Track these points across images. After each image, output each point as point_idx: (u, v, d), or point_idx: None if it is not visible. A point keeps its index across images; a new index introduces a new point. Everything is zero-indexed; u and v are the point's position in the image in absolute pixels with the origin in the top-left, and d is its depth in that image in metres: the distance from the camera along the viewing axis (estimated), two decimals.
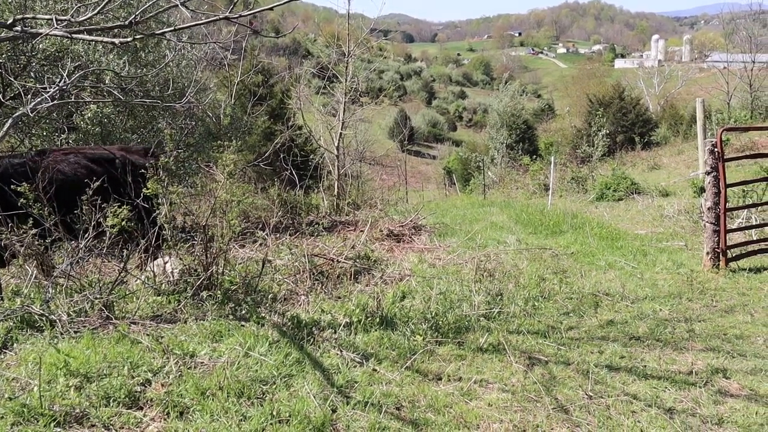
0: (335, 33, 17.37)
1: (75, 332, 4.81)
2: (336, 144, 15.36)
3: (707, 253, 7.86)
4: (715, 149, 7.70)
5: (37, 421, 3.49)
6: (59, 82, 6.96)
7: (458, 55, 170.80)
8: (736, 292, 6.90)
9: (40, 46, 9.88)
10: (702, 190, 13.01)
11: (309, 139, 21.18)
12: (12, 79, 9.20)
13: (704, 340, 5.42)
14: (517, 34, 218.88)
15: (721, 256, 7.78)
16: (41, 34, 5.22)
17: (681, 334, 5.54)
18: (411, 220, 10.45)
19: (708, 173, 7.78)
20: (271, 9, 4.71)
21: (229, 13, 4.77)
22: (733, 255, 7.95)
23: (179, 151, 12.06)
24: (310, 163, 18.01)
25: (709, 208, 7.79)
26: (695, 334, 5.54)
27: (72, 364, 4.06)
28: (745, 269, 7.70)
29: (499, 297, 6.38)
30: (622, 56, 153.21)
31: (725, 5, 43.88)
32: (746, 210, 9.56)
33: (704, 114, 16.33)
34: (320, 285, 6.58)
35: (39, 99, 6.28)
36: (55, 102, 6.43)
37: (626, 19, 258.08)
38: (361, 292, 6.29)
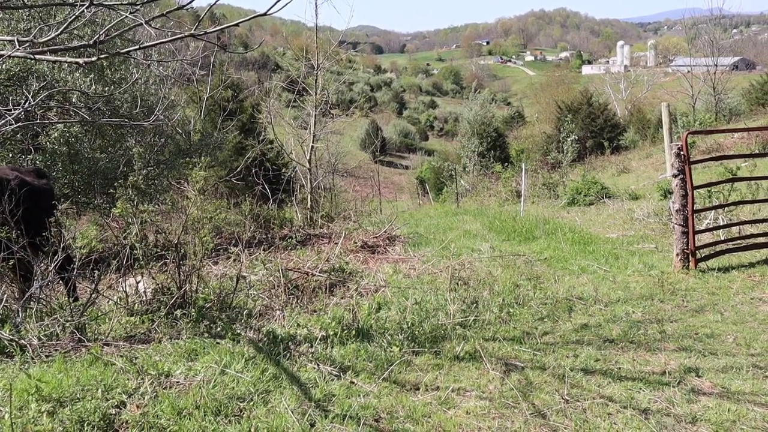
0: (304, 46, 17.38)
1: (46, 356, 4.74)
2: (308, 157, 15.34)
3: (677, 255, 7.98)
4: (682, 152, 7.83)
5: None
6: (24, 103, 6.89)
7: (427, 65, 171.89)
8: (706, 291, 7.01)
9: (3, 66, 9.76)
10: (668, 192, 13.21)
11: (281, 152, 21.14)
12: None
13: (676, 340, 5.49)
14: (485, 43, 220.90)
15: (690, 257, 7.90)
16: (3, 55, 5.16)
17: (653, 335, 5.61)
18: (385, 231, 10.47)
19: (675, 176, 7.91)
20: (236, 25, 4.71)
21: (195, 30, 4.77)
22: (702, 255, 8.08)
23: (149, 168, 11.96)
24: (282, 177, 17.97)
25: (677, 210, 7.92)
26: (667, 335, 5.62)
27: (44, 389, 4.00)
28: (714, 269, 7.82)
29: (475, 305, 6.41)
30: (589, 62, 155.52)
31: (687, 11, 44.87)
32: (713, 211, 9.72)
33: (670, 118, 16.64)
34: (295, 299, 6.56)
35: (3, 121, 6.21)
36: (21, 123, 6.35)
37: (592, 26, 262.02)
38: (337, 304, 6.28)
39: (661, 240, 9.84)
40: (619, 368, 4.89)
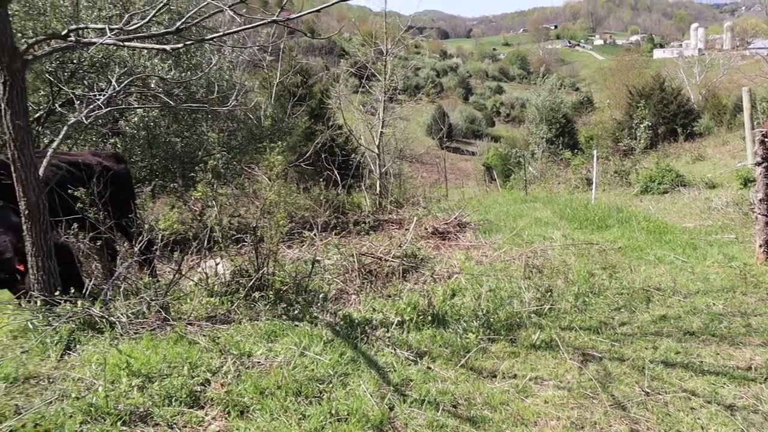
0: (371, 31, 17.39)
1: (134, 333, 4.93)
2: (377, 142, 15.39)
3: (760, 246, 7.69)
4: (766, 139, 7.52)
5: (104, 420, 3.59)
6: (108, 89, 7.14)
7: (494, 50, 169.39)
8: None
9: (88, 53, 10.12)
10: (748, 181, 12.70)
11: (349, 138, 21.28)
12: (62, 87, 9.47)
13: (762, 334, 5.31)
14: (552, 27, 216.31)
15: None
16: (95, 43, 5.35)
17: (737, 329, 5.44)
18: (455, 218, 10.44)
19: (759, 164, 7.61)
20: (318, 11, 4.76)
21: (277, 16, 4.85)
22: None
23: (223, 153, 12.23)
24: (351, 163, 18.10)
25: (761, 200, 7.62)
26: (752, 329, 5.43)
27: (133, 364, 4.17)
28: None
29: (549, 293, 6.33)
30: (661, 46, 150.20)
31: None
32: None
33: (750, 103, 15.94)
34: (369, 284, 6.62)
35: (92, 106, 6.45)
36: (109, 108, 6.59)
37: (664, 8, 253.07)
38: (411, 290, 6.31)
39: (742, 230, 9.51)
40: (701, 362, 4.76)
